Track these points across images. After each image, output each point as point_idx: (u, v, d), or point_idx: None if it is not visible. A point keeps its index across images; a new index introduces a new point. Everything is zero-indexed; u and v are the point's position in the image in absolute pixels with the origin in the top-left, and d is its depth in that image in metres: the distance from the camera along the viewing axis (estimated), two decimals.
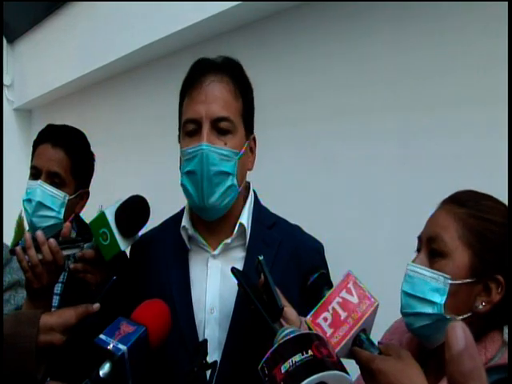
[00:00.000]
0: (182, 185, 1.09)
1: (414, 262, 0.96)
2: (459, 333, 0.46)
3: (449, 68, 1.80)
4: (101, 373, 0.77)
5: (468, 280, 0.89)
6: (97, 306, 1.04)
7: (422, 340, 0.93)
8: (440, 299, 0.89)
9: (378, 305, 0.88)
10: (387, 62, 2.02)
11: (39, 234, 1.07)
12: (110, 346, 0.79)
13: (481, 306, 0.90)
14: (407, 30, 1.94)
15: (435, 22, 1.84)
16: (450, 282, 0.89)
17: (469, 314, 0.90)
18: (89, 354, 0.81)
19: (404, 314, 0.96)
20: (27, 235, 1.07)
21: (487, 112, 1.67)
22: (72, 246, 1.10)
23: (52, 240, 1.06)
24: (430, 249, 0.94)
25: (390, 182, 1.99)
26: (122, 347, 0.79)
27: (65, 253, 1.08)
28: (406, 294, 0.94)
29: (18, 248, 1.06)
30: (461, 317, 0.90)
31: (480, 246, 0.90)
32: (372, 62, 2.09)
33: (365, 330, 0.87)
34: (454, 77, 1.79)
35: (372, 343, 0.87)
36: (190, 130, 1.07)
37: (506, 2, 1.48)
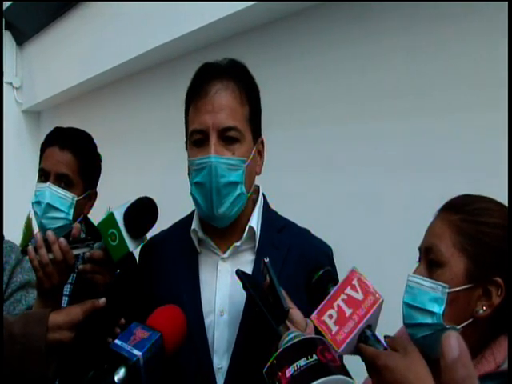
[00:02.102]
0: (192, 195, 1.10)
1: (414, 273, 0.95)
2: (453, 342, 0.48)
3: (452, 71, 1.80)
4: (116, 378, 0.78)
5: (465, 286, 0.89)
6: (103, 300, 1.05)
7: (426, 350, 0.92)
8: (438, 309, 0.89)
9: (382, 300, 0.88)
10: (392, 66, 2.02)
11: (50, 233, 1.08)
12: (125, 352, 0.80)
13: (481, 311, 0.89)
14: (414, 35, 1.93)
15: (440, 26, 1.83)
16: (447, 290, 0.89)
17: (470, 321, 0.89)
18: (97, 349, 0.82)
19: (406, 325, 0.96)
20: (38, 235, 1.09)
21: (489, 115, 1.66)
22: (82, 245, 1.11)
23: (62, 239, 1.07)
24: (428, 260, 0.93)
25: (394, 185, 1.98)
26: (137, 353, 0.80)
27: (75, 252, 1.09)
28: (406, 305, 0.94)
29: (30, 247, 1.07)
30: (462, 324, 0.90)
31: (475, 250, 0.89)
32: (377, 66, 2.08)
33: (370, 326, 0.87)
34: (456, 80, 1.78)
35: (377, 339, 0.87)
36: (197, 140, 1.08)
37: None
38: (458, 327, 0.89)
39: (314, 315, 0.88)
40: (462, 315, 0.89)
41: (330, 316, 0.86)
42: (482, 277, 0.89)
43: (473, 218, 0.91)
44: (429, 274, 0.92)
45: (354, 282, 0.88)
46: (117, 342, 0.82)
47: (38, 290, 1.12)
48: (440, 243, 0.92)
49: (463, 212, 0.92)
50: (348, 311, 0.86)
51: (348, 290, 0.88)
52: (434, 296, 0.90)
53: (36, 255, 1.07)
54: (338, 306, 0.87)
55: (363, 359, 0.85)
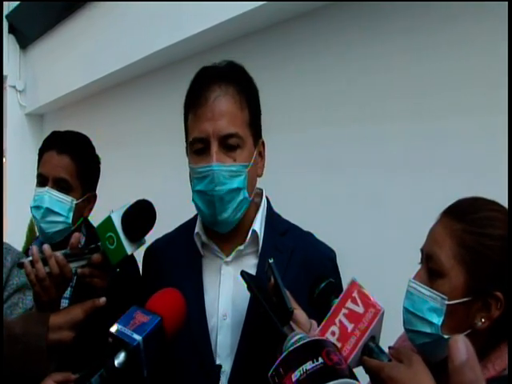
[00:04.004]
0: (194, 202, 1.09)
1: (414, 278, 0.94)
2: (461, 346, 0.48)
3: (453, 73, 1.79)
4: (116, 362, 0.78)
5: (465, 299, 0.87)
6: (103, 299, 1.05)
7: (425, 355, 0.91)
8: (437, 320, 0.88)
9: (383, 312, 0.87)
10: (393, 67, 2.01)
11: (46, 247, 1.07)
12: (125, 336, 0.79)
13: (480, 323, 0.87)
14: (415, 37, 1.93)
15: (441, 28, 1.83)
16: (446, 302, 0.87)
17: (468, 331, 0.88)
18: (98, 348, 0.81)
19: (406, 330, 0.95)
20: (34, 249, 1.07)
21: (490, 116, 1.65)
22: (79, 258, 1.10)
23: (59, 253, 1.06)
24: (429, 267, 0.92)
25: (395, 186, 1.98)
26: (138, 337, 0.79)
27: (72, 265, 1.08)
28: (406, 310, 0.94)
29: (26, 261, 1.06)
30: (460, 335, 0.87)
31: (475, 263, 0.87)
32: (378, 68, 2.07)
33: (374, 338, 0.87)
34: (457, 82, 1.78)
35: (381, 350, 0.86)
36: (198, 148, 1.06)
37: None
38: None
39: (316, 333, 0.87)
40: (460, 326, 0.88)
41: (333, 333, 0.86)
42: (481, 290, 0.87)
43: (475, 229, 0.89)
44: (429, 282, 0.91)
45: (354, 294, 0.88)
46: (116, 325, 0.81)
47: (36, 303, 1.11)
48: (440, 253, 0.90)
49: (466, 222, 0.90)
50: (349, 326, 0.86)
51: (349, 304, 0.87)
52: (433, 306, 0.89)
53: (33, 269, 1.05)
54: (340, 321, 0.87)
55: (367, 372, 0.85)
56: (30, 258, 1.06)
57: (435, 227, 0.94)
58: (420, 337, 0.91)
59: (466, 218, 0.90)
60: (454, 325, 0.88)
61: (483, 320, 0.87)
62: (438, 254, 0.90)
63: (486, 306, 0.87)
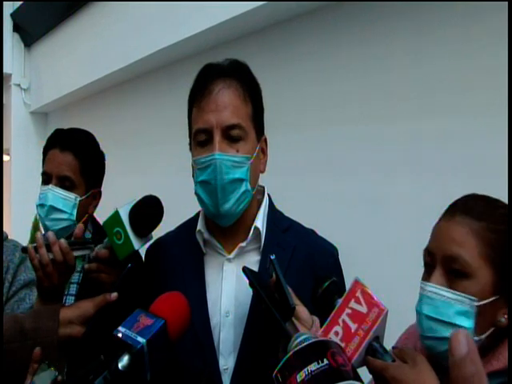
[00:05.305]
0: (197, 194, 1.09)
1: (429, 281, 0.90)
2: (462, 339, 0.48)
3: (453, 73, 1.79)
4: (119, 365, 0.77)
5: (493, 298, 0.86)
6: (114, 295, 1.05)
7: (442, 361, 0.85)
8: (468, 323, 0.85)
9: (387, 311, 0.86)
10: (394, 68, 2.01)
11: (50, 234, 1.08)
12: (129, 339, 0.79)
13: (503, 319, 0.86)
14: (416, 37, 1.92)
15: (443, 28, 1.82)
16: (476, 303, 0.85)
17: (492, 329, 0.87)
18: (108, 344, 0.82)
19: (426, 338, 0.90)
20: (38, 235, 1.08)
21: (490, 117, 1.65)
22: (83, 247, 1.11)
23: (63, 241, 1.07)
24: (450, 269, 0.88)
25: (396, 187, 1.98)
26: (142, 340, 0.79)
27: (75, 254, 1.09)
28: (427, 317, 0.88)
29: (30, 246, 1.07)
30: (485, 334, 0.87)
31: (501, 260, 0.86)
32: (379, 69, 2.07)
33: (377, 338, 0.86)
34: (458, 82, 1.77)
35: (385, 350, 0.85)
36: (201, 139, 1.07)
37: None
38: (483, 336, 0.87)
39: (319, 333, 0.87)
40: (486, 326, 0.87)
41: (336, 333, 0.85)
42: (506, 287, 0.86)
43: (496, 226, 0.87)
44: (449, 284, 0.88)
45: (358, 294, 0.87)
46: (120, 328, 0.81)
47: (38, 289, 1.12)
48: (465, 253, 0.86)
49: (486, 220, 0.88)
50: (353, 326, 0.85)
51: (352, 304, 0.87)
52: (461, 309, 0.85)
53: (36, 254, 1.06)
54: (343, 321, 0.86)
55: (370, 372, 0.84)
56: (35, 244, 1.07)
57: (449, 226, 0.90)
58: (445, 343, 0.83)
59: (485, 215, 0.88)
60: (481, 326, 0.86)
61: (506, 316, 0.86)
62: (462, 254, 0.86)
63: (506, 301, 0.86)
